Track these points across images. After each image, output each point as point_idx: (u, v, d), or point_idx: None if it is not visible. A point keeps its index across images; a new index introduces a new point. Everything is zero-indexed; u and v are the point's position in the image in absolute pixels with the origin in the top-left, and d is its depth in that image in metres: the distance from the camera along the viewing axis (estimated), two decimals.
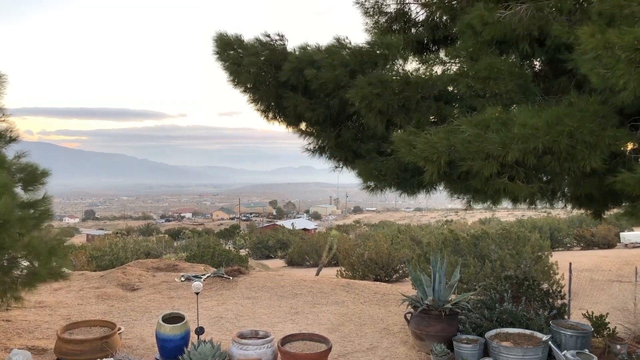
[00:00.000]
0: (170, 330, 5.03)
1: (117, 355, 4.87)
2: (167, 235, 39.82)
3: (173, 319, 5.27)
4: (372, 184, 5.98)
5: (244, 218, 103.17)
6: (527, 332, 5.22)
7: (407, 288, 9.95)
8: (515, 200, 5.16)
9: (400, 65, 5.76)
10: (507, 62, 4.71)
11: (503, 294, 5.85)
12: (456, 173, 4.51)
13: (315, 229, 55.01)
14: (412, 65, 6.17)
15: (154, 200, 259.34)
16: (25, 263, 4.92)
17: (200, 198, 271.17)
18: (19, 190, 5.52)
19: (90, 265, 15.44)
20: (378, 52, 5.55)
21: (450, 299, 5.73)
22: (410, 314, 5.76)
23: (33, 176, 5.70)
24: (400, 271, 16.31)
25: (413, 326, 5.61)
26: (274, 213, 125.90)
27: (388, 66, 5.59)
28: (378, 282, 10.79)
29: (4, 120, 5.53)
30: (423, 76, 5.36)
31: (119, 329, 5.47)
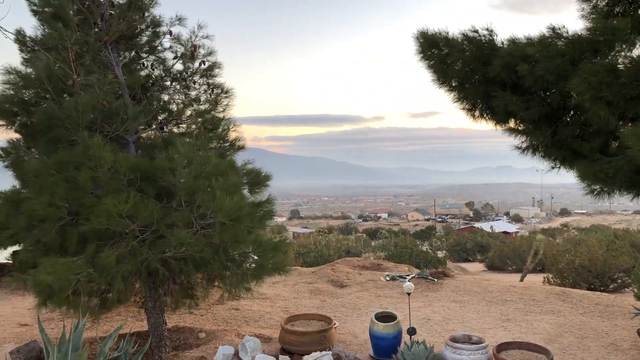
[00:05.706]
0: (383, 328, 5.15)
1: (334, 349, 5.12)
2: (364, 235, 41.11)
3: (384, 317, 5.39)
4: (597, 187, 5.38)
5: (439, 219, 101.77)
6: None
7: (630, 299, 8.89)
8: None
9: (625, 51, 5.15)
10: None
11: None
12: None
13: (517, 232, 51.93)
14: (638, 50, 5.49)
15: (351, 200, 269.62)
16: (254, 257, 5.43)
17: (395, 199, 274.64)
18: (245, 192, 6.12)
19: (297, 261, 16.57)
20: (600, 38, 5.04)
21: None
22: None
23: (257, 180, 6.26)
24: (619, 280, 14.59)
25: None
26: (471, 215, 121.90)
27: (613, 53, 5.04)
28: (599, 292, 9.79)
29: (234, 130, 6.13)
30: None
31: (335, 323, 5.75)
